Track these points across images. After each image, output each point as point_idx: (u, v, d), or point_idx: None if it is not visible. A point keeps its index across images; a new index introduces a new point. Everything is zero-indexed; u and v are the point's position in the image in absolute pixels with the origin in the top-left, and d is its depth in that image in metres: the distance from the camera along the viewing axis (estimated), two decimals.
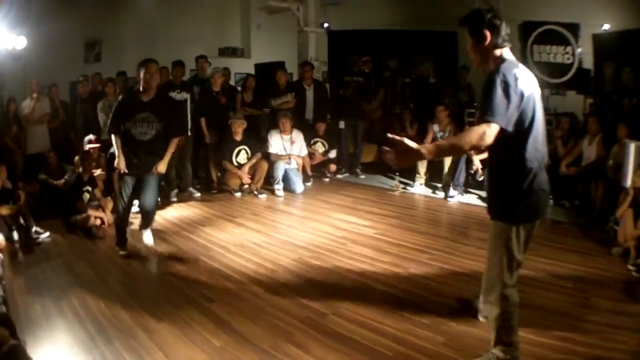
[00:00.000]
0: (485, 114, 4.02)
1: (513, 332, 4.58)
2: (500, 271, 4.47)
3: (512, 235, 4.39)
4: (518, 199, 4.34)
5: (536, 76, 4.28)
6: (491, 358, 4.69)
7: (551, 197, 9.62)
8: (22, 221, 8.86)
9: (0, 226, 8.50)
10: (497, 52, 4.35)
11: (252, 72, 17.37)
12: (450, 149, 4.42)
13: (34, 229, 8.92)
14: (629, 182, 8.45)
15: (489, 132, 3.97)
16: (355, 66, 15.42)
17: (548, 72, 14.11)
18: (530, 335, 5.27)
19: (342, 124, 14.29)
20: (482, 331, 5.47)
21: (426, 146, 4.13)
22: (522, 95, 4.10)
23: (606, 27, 13.94)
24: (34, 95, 11.89)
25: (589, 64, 13.05)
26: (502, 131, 4.00)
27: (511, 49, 4.38)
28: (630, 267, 7.14)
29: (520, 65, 4.33)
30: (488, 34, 4.31)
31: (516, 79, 4.11)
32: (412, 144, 4.06)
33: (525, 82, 4.17)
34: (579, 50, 12.68)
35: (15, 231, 8.78)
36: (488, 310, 4.67)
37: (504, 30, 4.36)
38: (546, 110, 13.46)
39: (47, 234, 9.04)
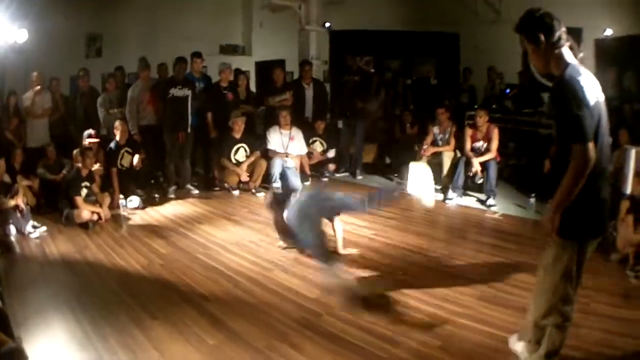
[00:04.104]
0: (575, 140, 3.93)
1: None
2: (557, 288, 4.29)
3: (574, 252, 4.23)
4: (584, 211, 4.16)
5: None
6: None
7: (551, 201, 9.62)
8: (19, 215, 8.86)
9: None
10: (556, 52, 4.20)
11: (253, 69, 17.39)
12: (567, 195, 4.05)
13: (31, 223, 8.94)
14: (629, 188, 8.44)
15: (589, 152, 3.89)
16: (354, 65, 15.42)
17: (549, 78, 14.10)
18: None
19: (340, 124, 14.31)
20: (480, 336, 5.49)
21: (548, 214, 4.22)
22: (589, 106, 3.96)
23: (609, 32, 13.91)
24: (37, 88, 11.87)
25: (590, 69, 12.98)
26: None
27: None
28: (628, 273, 7.13)
29: (582, 69, 4.21)
30: (542, 36, 4.17)
31: (582, 88, 4.00)
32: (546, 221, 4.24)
33: (590, 90, 4.05)
34: (581, 55, 12.70)
35: (12, 225, 8.79)
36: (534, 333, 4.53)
37: (559, 28, 4.20)
38: (548, 115, 13.47)
39: (45, 228, 9.07)
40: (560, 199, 4.08)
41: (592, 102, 3.97)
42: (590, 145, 3.90)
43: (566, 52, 4.19)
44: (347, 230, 8.70)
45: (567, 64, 4.15)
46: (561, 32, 4.17)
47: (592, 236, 4.33)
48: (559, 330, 4.34)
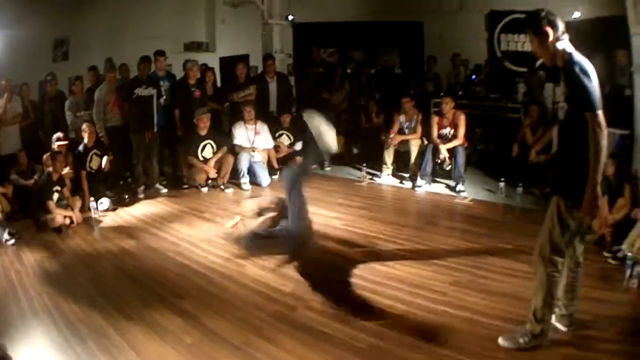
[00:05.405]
0: (588, 110, 4.44)
1: (550, 306, 4.95)
2: (552, 239, 4.87)
3: (571, 211, 4.75)
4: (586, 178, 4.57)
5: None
6: (524, 332, 5.04)
7: (521, 184, 9.77)
8: None
9: None
10: (560, 45, 4.72)
11: (217, 66, 17.40)
12: (598, 168, 4.49)
13: (7, 230, 8.91)
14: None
15: (600, 119, 4.41)
16: (317, 58, 15.42)
17: (516, 61, 14.19)
18: (508, 324, 5.40)
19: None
20: (456, 322, 5.61)
21: (590, 189, 4.52)
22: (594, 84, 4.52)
23: (576, 15, 14.00)
24: (5, 95, 11.80)
25: None
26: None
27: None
28: (606, 254, 7.27)
29: (583, 57, 4.69)
30: (550, 30, 4.70)
31: (587, 69, 4.54)
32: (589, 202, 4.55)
33: (592, 73, 4.56)
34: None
35: None
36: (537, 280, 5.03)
37: (561, 24, 4.73)
38: (514, 99, 13.60)
39: (19, 235, 9.02)
40: (594, 175, 4.49)
41: (594, 83, 4.48)
42: (601, 112, 4.43)
43: (567, 44, 4.75)
44: (316, 221, 8.72)
45: (570, 53, 4.69)
46: (563, 27, 4.73)
47: None
48: (551, 278, 4.89)
